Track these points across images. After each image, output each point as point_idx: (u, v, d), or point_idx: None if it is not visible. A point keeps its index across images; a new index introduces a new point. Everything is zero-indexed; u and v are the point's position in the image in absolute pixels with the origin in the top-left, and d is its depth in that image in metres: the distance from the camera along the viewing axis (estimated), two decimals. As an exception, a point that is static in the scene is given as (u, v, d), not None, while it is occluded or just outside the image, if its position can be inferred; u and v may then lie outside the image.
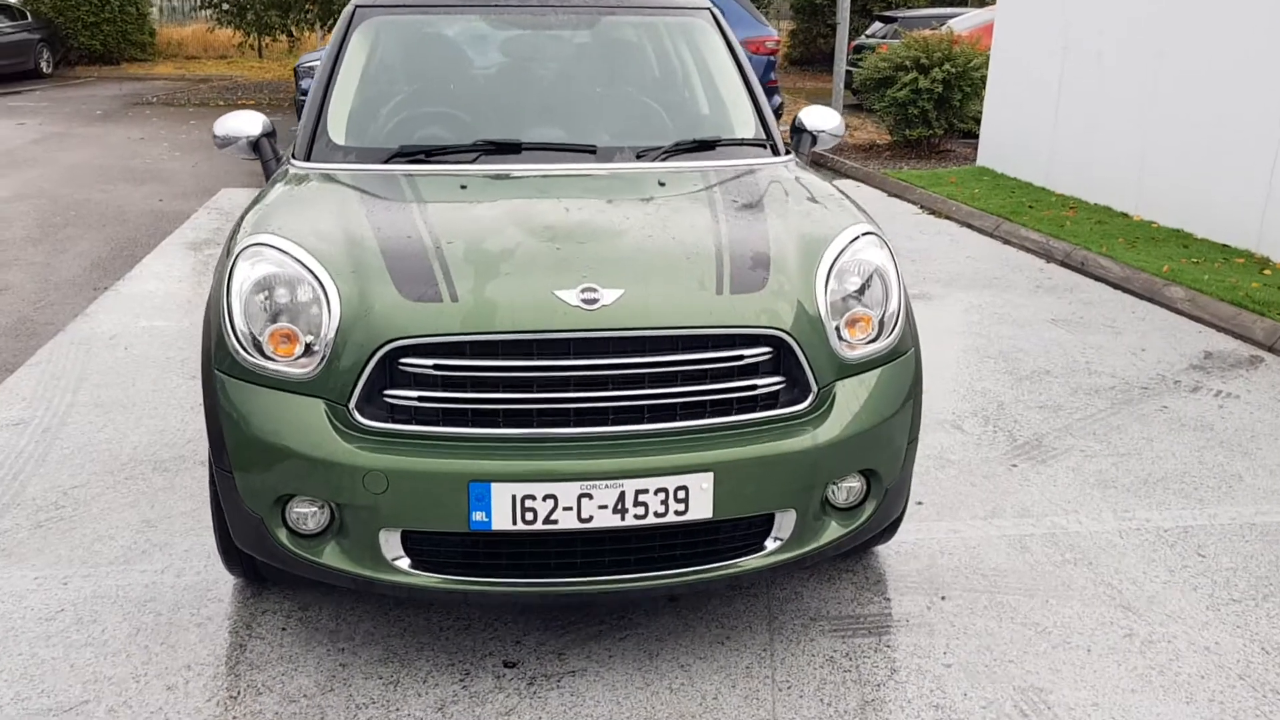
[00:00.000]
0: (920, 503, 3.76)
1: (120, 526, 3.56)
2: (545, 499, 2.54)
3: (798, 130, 3.92)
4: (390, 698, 2.73)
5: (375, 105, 3.70)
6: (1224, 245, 7.31)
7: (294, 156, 3.49)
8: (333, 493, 2.59)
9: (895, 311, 2.88)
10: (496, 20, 4.00)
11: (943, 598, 3.21)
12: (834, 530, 2.83)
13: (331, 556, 2.66)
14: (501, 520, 2.55)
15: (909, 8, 19.62)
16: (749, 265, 2.78)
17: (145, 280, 6.63)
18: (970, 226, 8.48)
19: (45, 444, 4.20)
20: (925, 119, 11.21)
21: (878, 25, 17.03)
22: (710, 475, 2.58)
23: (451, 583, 2.65)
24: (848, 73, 13.98)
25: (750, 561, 2.73)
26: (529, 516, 2.55)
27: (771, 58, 12.83)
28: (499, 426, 2.58)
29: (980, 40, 11.56)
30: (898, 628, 3.06)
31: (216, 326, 2.76)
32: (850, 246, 2.90)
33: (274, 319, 2.66)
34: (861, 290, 2.85)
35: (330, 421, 2.59)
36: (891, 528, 3.23)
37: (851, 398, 2.76)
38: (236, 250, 2.81)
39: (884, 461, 2.85)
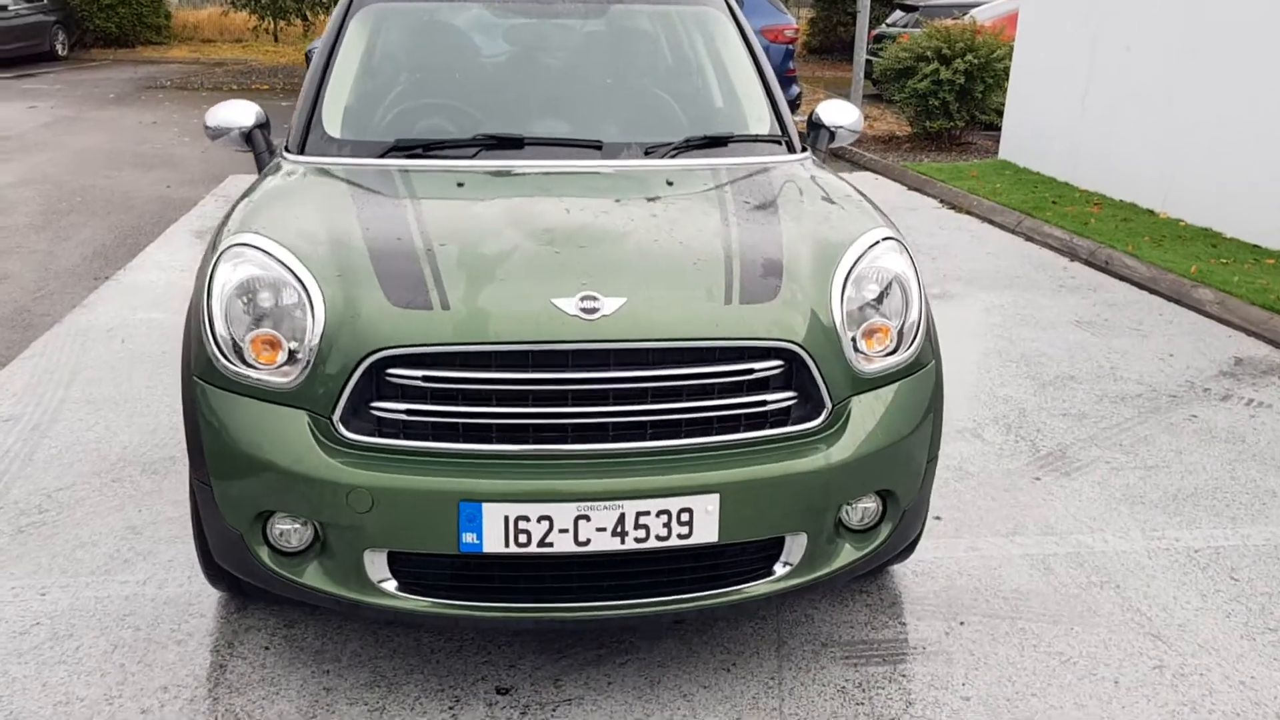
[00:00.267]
0: (938, 517, 3.60)
1: (103, 533, 3.42)
2: (540, 520, 2.38)
3: (815, 125, 3.74)
4: (375, 726, 2.59)
5: (372, 96, 3.54)
6: (1254, 245, 7.09)
7: (287, 149, 3.33)
8: (314, 510, 2.45)
9: (915, 322, 2.71)
10: (501, 8, 3.84)
11: (961, 623, 3.04)
12: (848, 554, 2.66)
13: (313, 577, 2.52)
14: (493, 542, 2.39)
15: (931, -4, 19.32)
16: (760, 273, 2.61)
17: (147, 270, 6.50)
18: (991, 222, 8.28)
19: (33, 442, 4.07)
20: (946, 111, 10.98)
21: (899, 14, 16.76)
22: (716, 497, 2.42)
23: (441, 607, 2.50)
24: (867, 62, 13.74)
25: (758, 587, 2.57)
26: (522, 539, 2.39)
27: (790, 46, 12.61)
28: (492, 442, 2.42)
29: (1004, 30, 11.31)
30: (913, 655, 2.89)
31: (196, 331, 2.61)
32: (869, 252, 2.72)
33: (256, 324, 2.51)
34: (880, 299, 2.68)
35: (313, 435, 2.44)
36: (909, 547, 3.06)
37: (867, 414, 2.60)
38: (219, 250, 2.66)
39: (902, 481, 2.68)
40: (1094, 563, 3.38)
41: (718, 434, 2.49)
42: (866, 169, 10.64)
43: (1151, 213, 8.07)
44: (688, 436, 2.47)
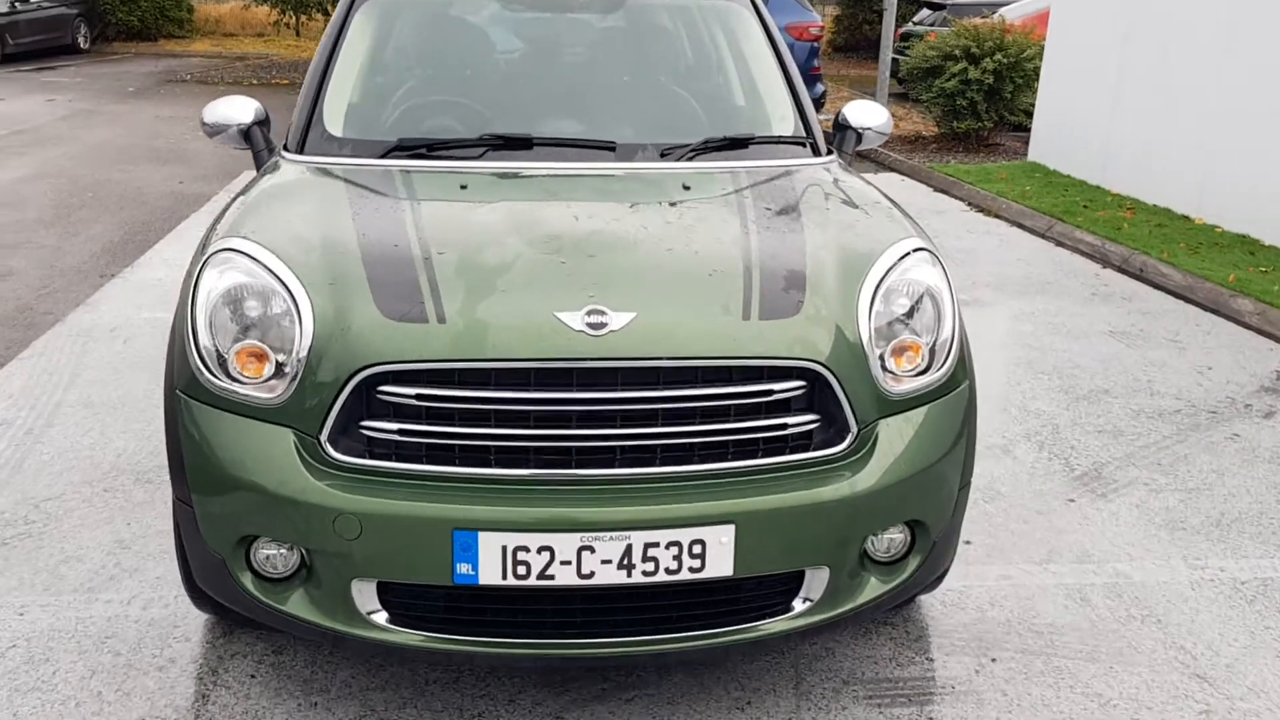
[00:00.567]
0: (968, 542, 3.40)
1: (90, 547, 3.27)
2: (540, 551, 2.21)
3: (841, 127, 3.55)
4: (364, 765, 2.42)
5: (375, 94, 3.37)
6: (1295, 253, 6.85)
7: (286, 148, 3.17)
8: (300, 536, 2.28)
9: (948, 339, 2.52)
10: (512, 1, 3.66)
11: (993, 659, 2.85)
12: (873, 588, 2.48)
13: (298, 606, 2.35)
14: (490, 574, 2.22)
15: (959, -5, 19.04)
16: (781, 285, 2.42)
17: (154, 267, 6.36)
18: (1021, 226, 8.05)
19: (25, 448, 3.93)
20: (974, 111, 10.74)
21: (926, 12, 16.49)
22: (731, 528, 2.24)
23: (434, 641, 2.32)
24: (894, 61, 13.50)
25: (775, 625, 2.39)
26: (521, 570, 2.22)
27: (815, 44, 12.39)
28: (490, 466, 2.25)
29: (1034, 29, 11.06)
30: (942, 696, 2.70)
31: (180, 341, 2.45)
32: (899, 264, 2.54)
33: (242, 335, 2.34)
34: (910, 314, 2.49)
35: (300, 455, 2.27)
36: (939, 577, 2.87)
37: (896, 438, 2.41)
38: (204, 256, 2.50)
39: (932, 511, 2.50)
40: (1133, 594, 3.18)
41: (733, 460, 2.31)
42: (892, 170, 10.43)
43: (1186, 218, 7.82)
44: (701, 462, 2.29)
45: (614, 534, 2.21)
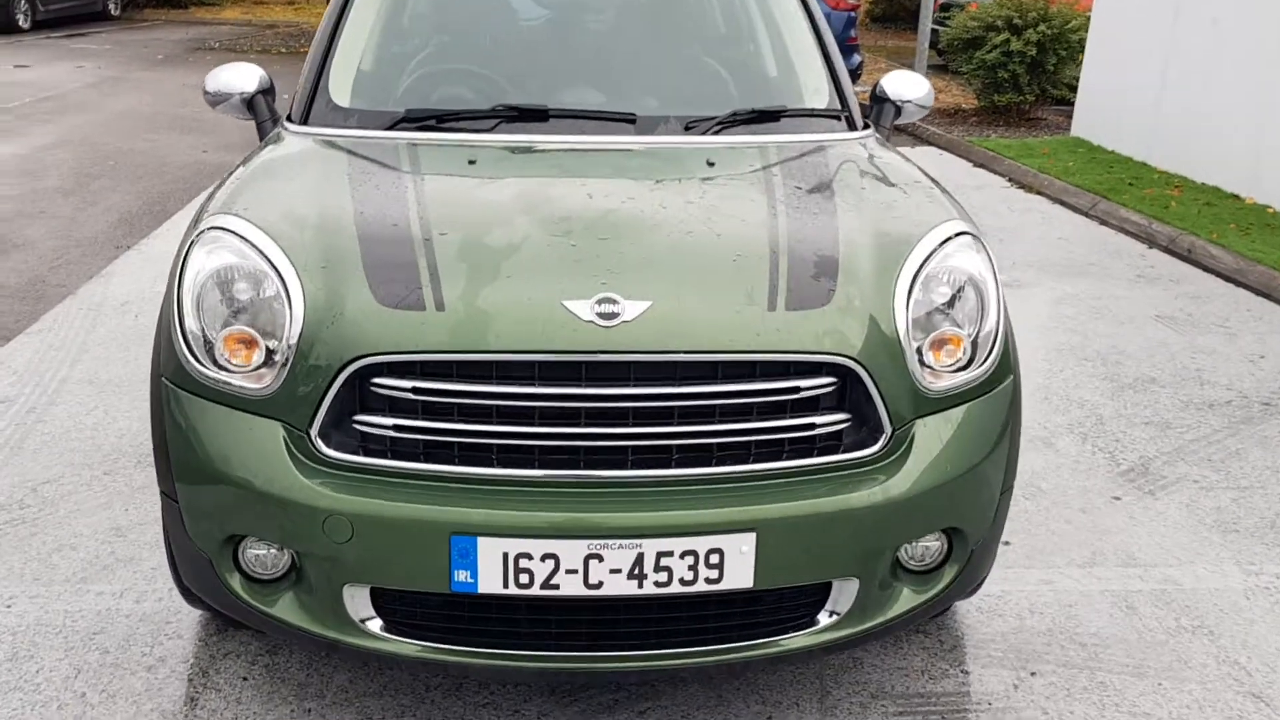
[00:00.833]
0: (1007, 542, 3.20)
1: (85, 534, 3.13)
2: (544, 559, 2.04)
3: (879, 99, 3.33)
4: (357, 780, 2.27)
5: (385, 61, 3.20)
6: (1352, 235, 6.56)
7: (289, 118, 3.00)
8: (288, 537, 2.12)
9: (992, 331, 2.32)
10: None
11: (1032, 673, 2.66)
12: (905, 600, 2.29)
13: (288, 610, 2.20)
14: (490, 582, 2.05)
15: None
16: (812, 272, 2.23)
17: (170, 240, 6.22)
18: (1063, 204, 7.77)
19: (26, 428, 3.80)
20: (1016, 84, 10.43)
21: (967, -18, 16.09)
22: (752, 536, 2.06)
23: (431, 652, 2.17)
24: (933, 31, 13.16)
25: (797, 640, 2.21)
26: (524, 579, 2.05)
27: (852, 14, 12.10)
28: (490, 466, 2.08)
29: (1079, 0, 10.71)
30: (977, 712, 2.52)
31: (166, 325, 2.29)
32: (940, 249, 2.33)
33: (231, 319, 2.18)
34: (951, 303, 2.29)
35: (288, 450, 2.11)
36: (976, 585, 2.68)
37: (933, 439, 2.22)
38: (194, 234, 2.34)
39: (971, 517, 2.30)
40: (1183, 602, 2.98)
41: (756, 462, 2.12)
42: (930, 143, 10.15)
43: (1237, 197, 7.52)
44: (720, 464, 2.11)
45: (624, 541, 2.04)
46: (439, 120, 2.85)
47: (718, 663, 2.19)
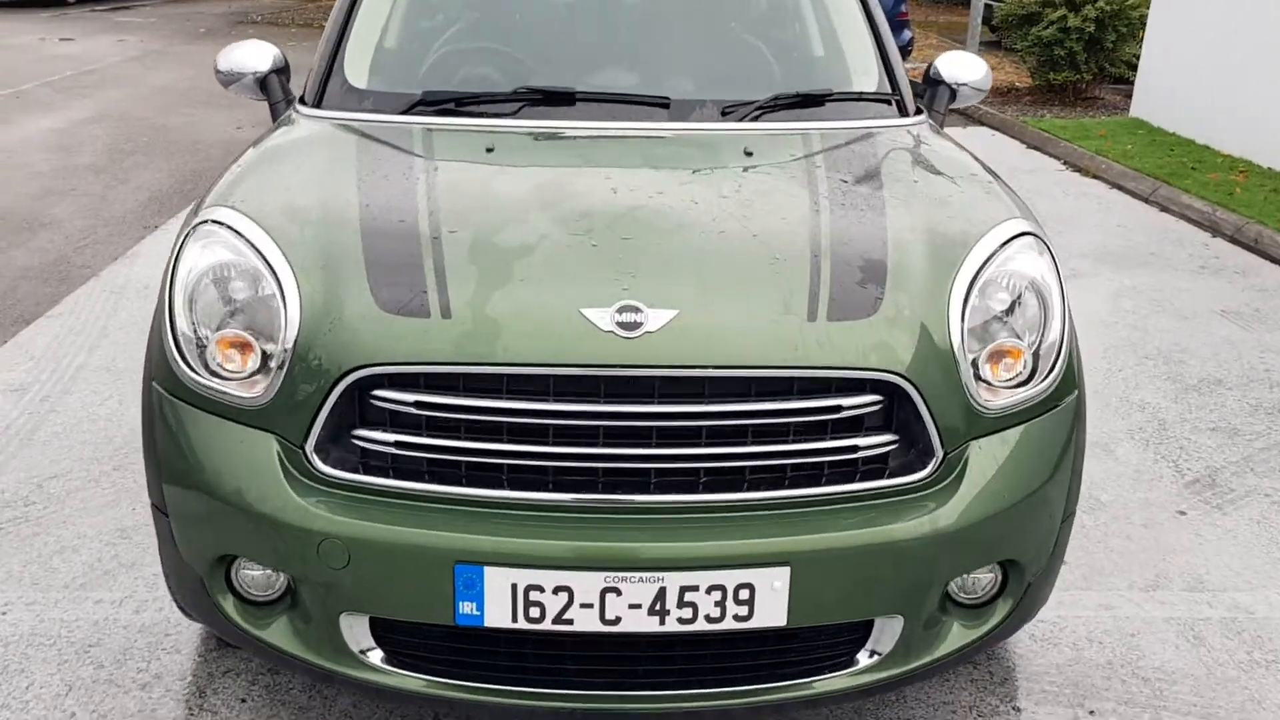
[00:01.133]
0: (1064, 562, 2.97)
1: (89, 535, 3.00)
2: (557, 591, 1.86)
3: (933, 82, 3.10)
4: (356, 818, 2.11)
5: (405, 40, 3.02)
6: None
7: (303, 100, 2.82)
8: (281, 560, 1.96)
9: (1056, 343, 2.10)
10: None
11: (1091, 712, 2.45)
12: (955, 638, 2.09)
13: (282, 636, 2.03)
14: (498, 615, 1.88)
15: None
16: (857, 277, 2.02)
17: (200, 219, 6.10)
18: (1122, 189, 7.45)
19: (39, 417, 3.68)
20: (1073, 62, 10.07)
21: (1022, -44, 15.63)
22: (786, 570, 1.87)
23: (435, 687, 2.00)
24: (987, 7, 12.79)
25: (834, 681, 2.02)
26: (534, 612, 1.87)
27: (903, -12, 11.75)
28: (500, 488, 1.90)
29: (1141, -26, 10.32)
30: (1030, 756, 2.32)
31: (158, 325, 2.13)
32: (1000, 251, 2.11)
33: (224, 321, 2.01)
34: (1010, 311, 2.08)
35: (282, 466, 1.94)
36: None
37: (989, 463, 2.01)
38: (189, 227, 2.17)
39: (1029, 548, 2.09)
40: (1255, 632, 2.75)
41: (792, 487, 1.92)
42: (981, 123, 9.83)
43: (1307, 183, 7.17)
44: (752, 490, 1.91)
45: (645, 574, 1.85)
46: (458, 103, 2.66)
47: (746, 705, 2.00)
